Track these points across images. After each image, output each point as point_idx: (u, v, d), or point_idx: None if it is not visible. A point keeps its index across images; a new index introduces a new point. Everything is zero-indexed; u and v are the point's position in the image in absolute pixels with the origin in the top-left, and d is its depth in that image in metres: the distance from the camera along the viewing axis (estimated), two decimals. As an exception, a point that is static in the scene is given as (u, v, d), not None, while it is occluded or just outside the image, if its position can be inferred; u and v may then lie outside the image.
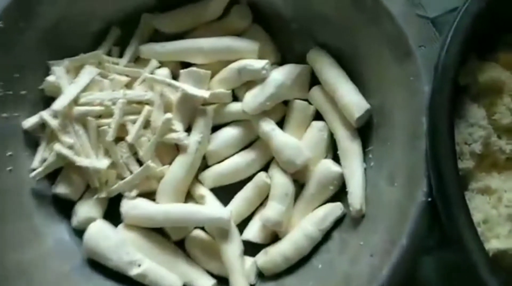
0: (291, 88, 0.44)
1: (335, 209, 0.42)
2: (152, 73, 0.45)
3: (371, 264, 0.34)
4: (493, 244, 0.37)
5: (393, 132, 0.38)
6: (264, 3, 0.46)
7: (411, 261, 0.33)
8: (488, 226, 0.39)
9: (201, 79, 0.44)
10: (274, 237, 0.44)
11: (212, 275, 0.42)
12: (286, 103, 0.46)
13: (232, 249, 0.41)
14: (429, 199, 0.33)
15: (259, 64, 0.43)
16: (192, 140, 0.43)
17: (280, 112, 0.46)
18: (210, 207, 0.42)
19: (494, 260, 0.38)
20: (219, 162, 0.45)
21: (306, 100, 0.46)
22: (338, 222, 0.42)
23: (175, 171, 0.43)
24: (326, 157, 0.44)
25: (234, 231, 0.42)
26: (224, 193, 0.45)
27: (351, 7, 0.38)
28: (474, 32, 0.39)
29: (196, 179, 0.45)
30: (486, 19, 0.38)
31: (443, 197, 0.32)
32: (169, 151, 0.45)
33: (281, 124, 0.46)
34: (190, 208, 0.42)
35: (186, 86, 0.43)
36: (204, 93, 0.43)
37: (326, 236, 0.42)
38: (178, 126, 0.44)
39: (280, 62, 0.47)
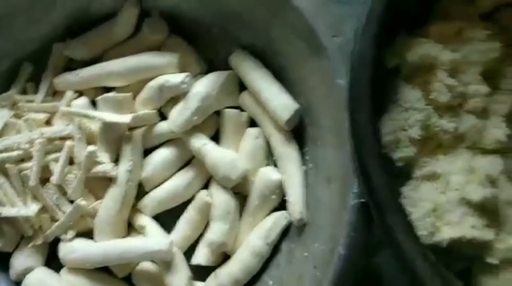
0: (218, 97, 0.42)
1: (280, 219, 0.39)
2: (69, 105, 0.43)
3: (314, 277, 0.32)
4: (445, 233, 0.34)
5: (321, 130, 0.35)
6: (178, 11, 0.43)
7: (354, 268, 0.30)
8: (438, 215, 0.36)
9: (121, 104, 0.42)
10: (224, 256, 0.41)
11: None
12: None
13: (178, 279, 0.38)
14: (362, 200, 0.31)
15: (177, 78, 0.40)
16: (121, 170, 0.41)
17: (214, 125, 0.43)
18: (148, 240, 0.39)
19: (449, 251, 0.35)
20: (157, 187, 0.43)
21: (239, 107, 0.43)
22: (285, 231, 0.39)
23: (108, 205, 0.41)
24: (268, 164, 0.42)
25: (179, 259, 0.39)
26: (169, 216, 0.42)
27: (255, 2, 0.36)
28: (396, 8, 0.36)
29: (136, 208, 0.43)
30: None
31: (371, 198, 0.29)
32: (102, 184, 0.42)
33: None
34: (127, 244, 0.39)
35: (104, 114, 0.41)
36: (124, 119, 0.40)
37: (275, 248, 0.39)
38: (103, 157, 0.41)
39: (207, 71, 0.44)
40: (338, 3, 0.39)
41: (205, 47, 0.45)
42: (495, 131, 0.38)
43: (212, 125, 0.43)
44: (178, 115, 0.41)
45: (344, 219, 0.31)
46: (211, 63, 0.45)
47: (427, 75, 0.38)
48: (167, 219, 0.42)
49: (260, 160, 0.41)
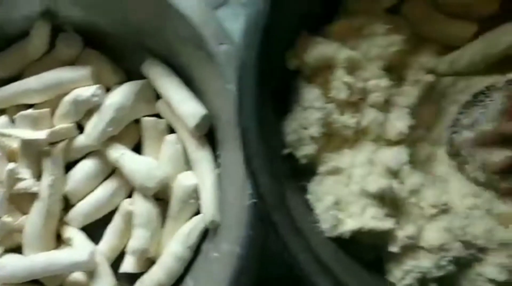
0: (134, 107, 0.42)
1: (198, 222, 0.40)
2: (-12, 125, 0.43)
3: (218, 276, 0.33)
4: (348, 225, 0.36)
5: (224, 134, 0.36)
6: (91, 25, 0.44)
7: (251, 267, 0.32)
8: (341, 207, 0.37)
9: (38, 120, 0.42)
10: (151, 262, 0.42)
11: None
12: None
13: (102, 288, 0.40)
14: (255, 201, 0.32)
15: (88, 91, 0.41)
16: (43, 185, 0.41)
17: (135, 134, 0.44)
18: (71, 252, 0.40)
19: (353, 241, 0.37)
20: (82, 199, 0.44)
21: (158, 115, 0.44)
22: (206, 233, 0.41)
23: (33, 220, 0.41)
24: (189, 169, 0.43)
25: (103, 268, 0.40)
26: (98, 226, 0.43)
27: (153, 14, 0.36)
28: (293, 9, 0.37)
29: (64, 221, 0.44)
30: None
31: (258, 197, 0.30)
32: (28, 199, 0.43)
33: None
34: (52, 256, 0.40)
35: (21, 131, 0.41)
36: (40, 135, 0.41)
37: (197, 250, 0.40)
38: (25, 173, 0.42)
39: (126, 81, 0.45)
40: (227, 8, 0.40)
41: (122, 58, 0.45)
42: (398, 123, 0.40)
43: (133, 135, 0.44)
44: (93, 127, 0.42)
45: (242, 219, 0.32)
46: (130, 73, 0.46)
47: (326, 74, 0.39)
48: (96, 229, 0.43)
49: (179, 166, 0.42)
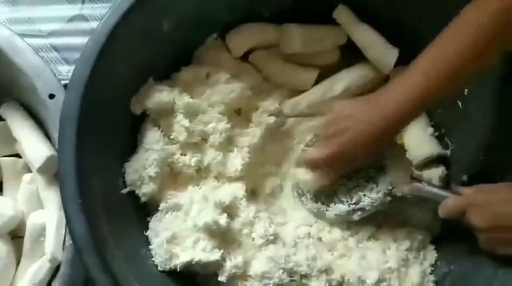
0: (-10, 148, 0.44)
1: (45, 260, 0.42)
2: None
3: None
4: (181, 258, 0.39)
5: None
6: None
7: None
8: (177, 242, 0.40)
9: None
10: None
11: None
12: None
13: None
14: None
15: None
16: None
17: (-2, 173, 0.46)
18: None
19: (182, 273, 0.39)
20: None
21: (17, 154, 0.46)
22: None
23: None
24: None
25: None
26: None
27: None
28: (128, 61, 0.40)
29: None
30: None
31: (72, 239, 0.33)
32: None
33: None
34: None
35: None
36: None
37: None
38: None
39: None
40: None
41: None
42: (236, 161, 0.43)
43: (-6, 175, 0.46)
44: None
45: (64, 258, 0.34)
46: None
47: (168, 118, 0.43)
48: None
49: (34, 204, 0.44)
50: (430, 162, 0.46)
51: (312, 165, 0.41)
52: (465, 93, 0.44)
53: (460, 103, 0.45)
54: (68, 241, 0.34)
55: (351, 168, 0.41)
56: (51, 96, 0.36)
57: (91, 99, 0.36)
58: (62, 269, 0.35)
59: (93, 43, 0.36)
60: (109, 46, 0.36)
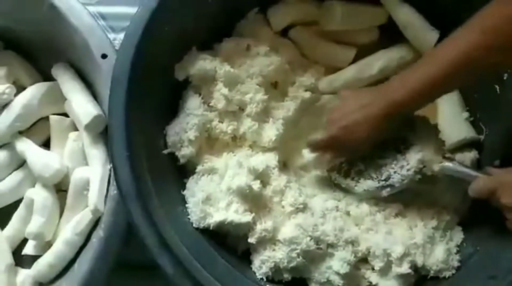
0: (41, 106, 0.47)
1: (87, 212, 0.44)
2: None
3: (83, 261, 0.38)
4: (214, 218, 0.41)
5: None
6: (11, 31, 0.49)
7: (111, 249, 0.36)
8: (211, 203, 0.42)
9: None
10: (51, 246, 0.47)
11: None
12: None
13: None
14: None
15: (-2, 90, 0.46)
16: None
17: (46, 130, 0.49)
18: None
19: (226, 234, 0.42)
20: (-9, 187, 0.48)
21: (65, 113, 0.49)
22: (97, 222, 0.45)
23: None
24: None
25: (2, 249, 0.45)
26: (5, 213, 0.48)
27: (51, 24, 0.41)
28: (174, 27, 0.42)
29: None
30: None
31: (118, 187, 0.35)
32: None
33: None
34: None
35: None
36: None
37: (87, 238, 0.45)
38: None
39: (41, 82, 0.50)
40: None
41: (39, 61, 0.50)
42: (270, 132, 0.45)
43: (43, 130, 0.49)
44: (1, 122, 0.46)
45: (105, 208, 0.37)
46: (46, 75, 0.50)
47: (209, 86, 0.45)
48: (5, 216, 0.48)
49: (79, 160, 0.47)
50: (463, 145, 0.47)
51: (312, 146, 0.43)
52: (504, 78, 0.44)
53: (498, 88, 0.45)
54: (113, 191, 0.36)
55: (356, 153, 0.43)
56: (104, 56, 0.38)
57: (141, 62, 0.38)
58: (104, 218, 0.37)
59: (144, 8, 0.38)
60: (158, 11, 0.38)
